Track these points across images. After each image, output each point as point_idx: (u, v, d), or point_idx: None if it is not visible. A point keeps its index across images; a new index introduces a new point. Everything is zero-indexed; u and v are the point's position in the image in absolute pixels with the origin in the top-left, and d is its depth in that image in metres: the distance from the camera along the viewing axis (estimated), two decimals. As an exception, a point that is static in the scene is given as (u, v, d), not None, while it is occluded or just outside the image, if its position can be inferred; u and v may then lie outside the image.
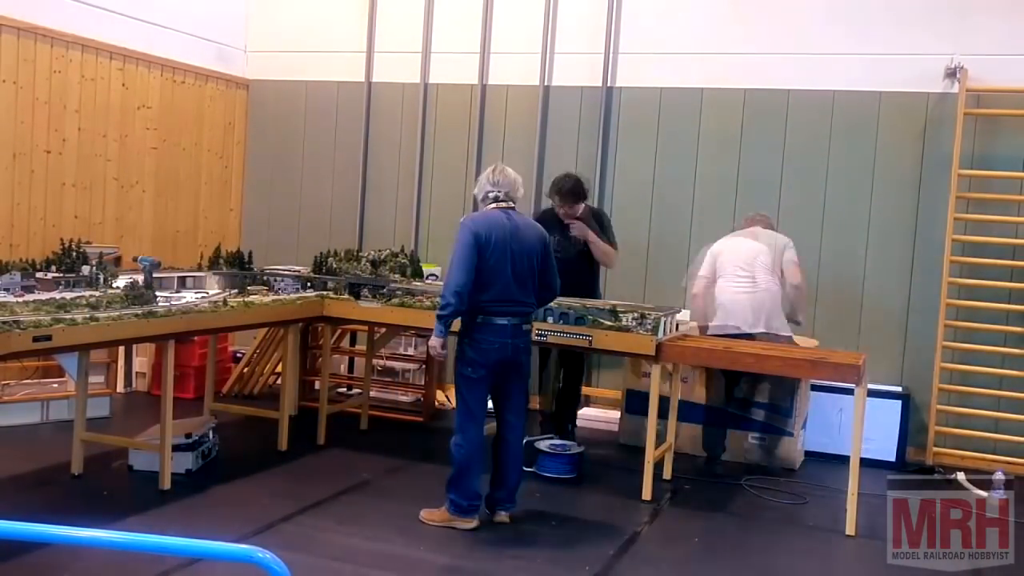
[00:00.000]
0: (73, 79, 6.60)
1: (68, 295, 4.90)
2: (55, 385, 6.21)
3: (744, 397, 6.08)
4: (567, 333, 5.29)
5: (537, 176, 7.36)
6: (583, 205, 6.12)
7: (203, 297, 5.42)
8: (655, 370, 5.19)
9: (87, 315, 4.45)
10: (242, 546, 2.02)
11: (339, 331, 7.09)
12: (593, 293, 6.11)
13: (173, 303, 5.08)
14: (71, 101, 6.61)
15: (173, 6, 7.40)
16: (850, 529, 4.85)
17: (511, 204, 4.72)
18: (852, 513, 4.86)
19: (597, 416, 6.98)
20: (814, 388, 6.23)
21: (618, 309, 5.34)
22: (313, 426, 6.05)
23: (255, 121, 8.27)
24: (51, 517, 3.92)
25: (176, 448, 5.04)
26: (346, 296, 5.94)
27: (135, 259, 5.77)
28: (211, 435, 5.43)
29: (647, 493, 5.19)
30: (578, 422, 6.95)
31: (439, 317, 4.53)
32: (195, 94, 7.69)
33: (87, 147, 6.74)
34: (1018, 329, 6.23)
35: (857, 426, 4.87)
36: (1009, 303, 6.25)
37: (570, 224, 6.04)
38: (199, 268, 6.13)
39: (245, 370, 7.31)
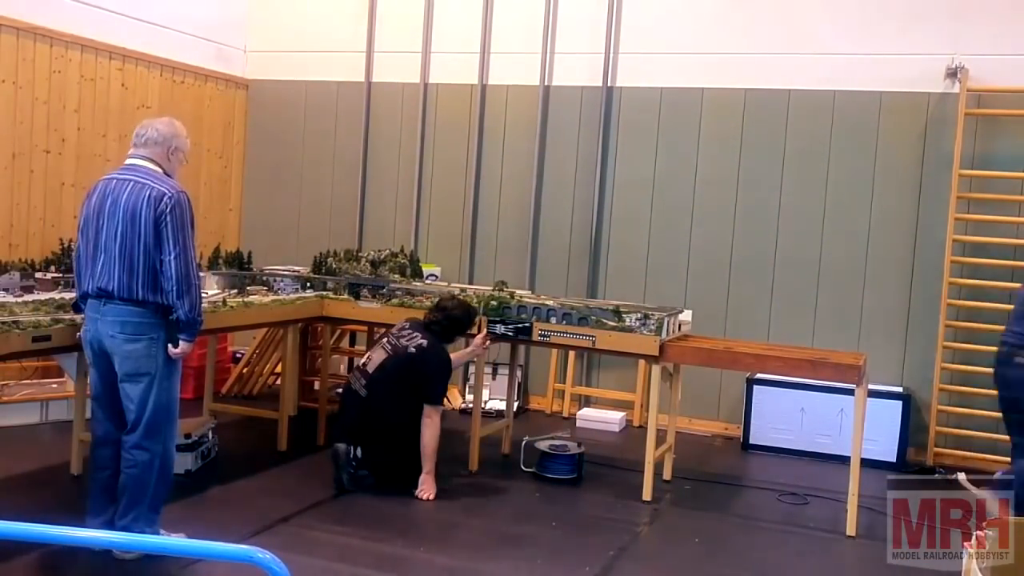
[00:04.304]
0: (73, 79, 6.60)
1: (68, 295, 4.89)
2: (54, 385, 6.21)
3: None
4: (570, 333, 5.29)
5: (537, 176, 7.37)
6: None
7: (202, 297, 5.41)
8: (655, 370, 5.19)
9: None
10: (242, 546, 2.02)
11: (339, 331, 7.08)
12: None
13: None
14: (70, 101, 6.61)
15: (173, 6, 7.40)
16: (850, 529, 4.84)
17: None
18: (852, 513, 4.86)
19: (597, 416, 6.97)
20: (814, 388, 6.22)
21: (621, 309, 5.34)
22: (313, 426, 6.05)
23: (255, 121, 8.26)
24: (51, 517, 3.92)
25: (176, 448, 5.02)
26: (346, 296, 5.93)
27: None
28: (210, 435, 5.42)
29: (647, 493, 5.19)
30: (579, 422, 6.97)
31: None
32: (195, 94, 7.69)
33: (87, 147, 6.74)
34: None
35: (858, 426, 4.87)
36: (1010, 303, 6.23)
37: None
38: (198, 268, 6.11)
39: (244, 370, 7.31)
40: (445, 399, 7.27)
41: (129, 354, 3.90)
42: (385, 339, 5.33)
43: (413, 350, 5.11)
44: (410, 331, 5.22)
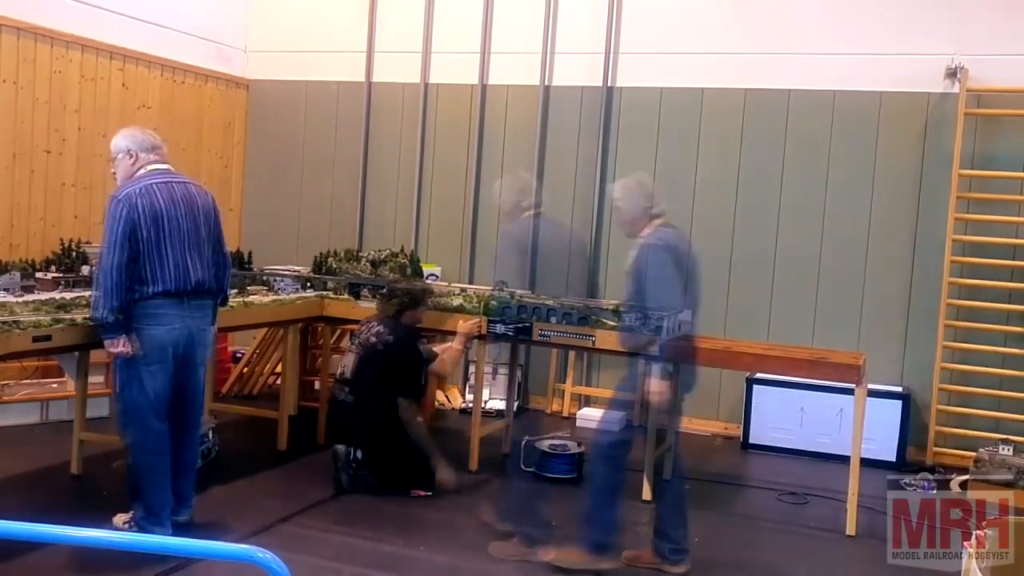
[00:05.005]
0: (73, 79, 6.60)
1: (68, 295, 4.89)
2: (55, 385, 6.21)
3: None
4: (570, 333, 5.29)
5: (537, 176, 7.36)
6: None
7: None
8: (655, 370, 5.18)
9: (87, 315, 4.44)
10: (242, 546, 2.02)
11: (339, 331, 7.08)
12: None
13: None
14: (71, 101, 6.61)
15: (173, 6, 7.40)
16: (850, 529, 4.84)
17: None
18: (852, 513, 4.86)
19: (597, 416, 6.95)
20: (814, 388, 6.23)
21: (621, 309, 5.33)
22: (313, 426, 6.05)
23: (255, 121, 8.26)
24: (51, 517, 3.91)
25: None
26: (346, 296, 5.94)
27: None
28: (211, 435, 5.42)
29: (647, 493, 5.19)
30: (579, 422, 6.97)
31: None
32: (195, 94, 7.69)
33: (87, 147, 6.74)
34: (1018, 329, 6.22)
35: (857, 426, 4.87)
36: (1009, 303, 6.25)
37: None
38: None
39: (245, 370, 7.31)
40: (445, 397, 7.30)
41: (209, 341, 4.34)
42: (352, 343, 5.45)
43: (374, 339, 5.24)
44: (367, 324, 5.36)
